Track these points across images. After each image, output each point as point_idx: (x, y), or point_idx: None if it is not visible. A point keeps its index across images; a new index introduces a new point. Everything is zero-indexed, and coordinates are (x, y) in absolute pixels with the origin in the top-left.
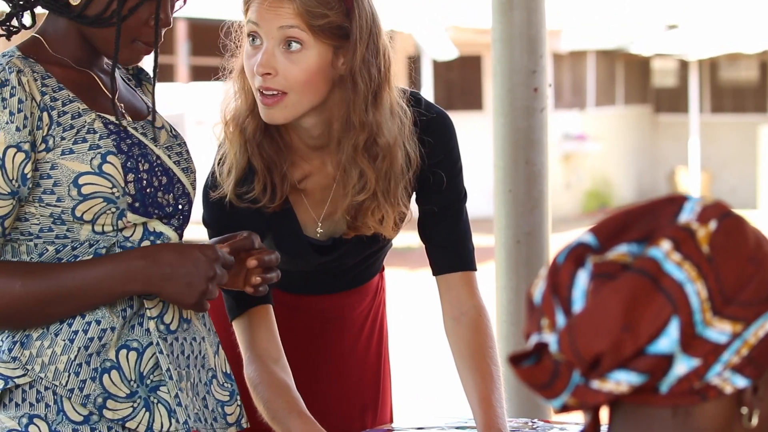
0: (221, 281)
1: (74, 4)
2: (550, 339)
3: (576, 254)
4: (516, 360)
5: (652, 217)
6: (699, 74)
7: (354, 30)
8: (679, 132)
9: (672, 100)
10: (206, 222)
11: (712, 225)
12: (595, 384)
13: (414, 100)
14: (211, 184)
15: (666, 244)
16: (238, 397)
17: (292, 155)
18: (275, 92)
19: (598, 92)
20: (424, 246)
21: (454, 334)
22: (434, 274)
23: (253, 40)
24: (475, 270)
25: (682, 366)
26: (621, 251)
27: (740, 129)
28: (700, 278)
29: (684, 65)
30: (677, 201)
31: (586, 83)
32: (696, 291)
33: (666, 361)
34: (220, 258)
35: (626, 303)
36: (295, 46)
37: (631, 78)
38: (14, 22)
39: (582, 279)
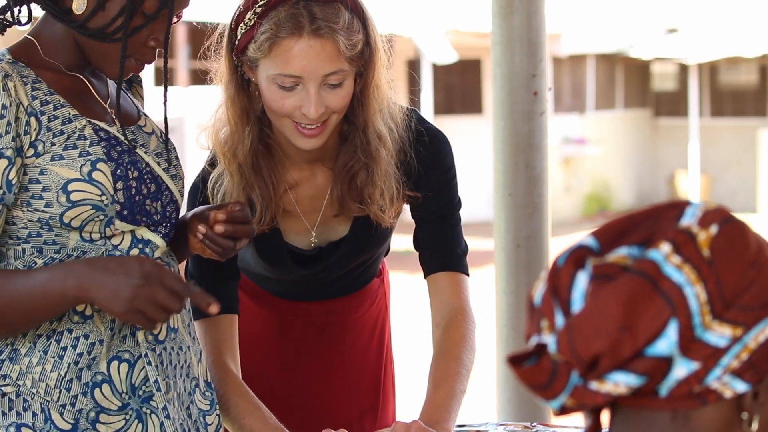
0: (158, 299)
1: (78, 13)
2: (549, 340)
3: (576, 257)
4: (515, 361)
5: (654, 221)
6: (699, 78)
7: (372, 39)
8: (678, 136)
9: (672, 104)
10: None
11: (713, 229)
12: (594, 385)
13: (411, 116)
14: (202, 203)
15: (666, 247)
16: (218, 407)
17: (284, 164)
18: (320, 123)
19: (597, 96)
20: (412, 255)
21: (433, 340)
22: (425, 276)
23: (290, 87)
24: (465, 273)
25: (682, 369)
26: (621, 254)
27: (740, 133)
28: (700, 281)
29: (684, 69)
30: (679, 206)
31: (586, 87)
32: (695, 294)
33: (665, 363)
34: (162, 274)
35: (625, 304)
36: (339, 82)
37: (631, 82)
38: (8, 16)
39: (581, 280)
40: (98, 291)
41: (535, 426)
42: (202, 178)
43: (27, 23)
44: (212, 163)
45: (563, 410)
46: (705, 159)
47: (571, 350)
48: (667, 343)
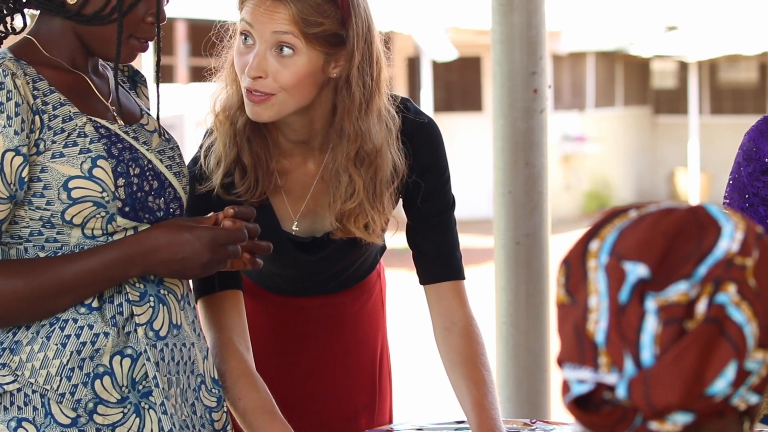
0: (221, 261)
1: (71, 2)
2: (614, 381)
3: (638, 292)
4: (565, 392)
5: (696, 243)
6: (698, 76)
7: (351, 38)
8: (678, 133)
9: (671, 102)
10: (186, 208)
11: (755, 255)
12: (654, 425)
13: (404, 106)
14: (198, 176)
15: (732, 288)
16: (225, 403)
17: (277, 145)
18: (263, 93)
19: (597, 93)
20: (411, 252)
21: (446, 343)
22: (422, 283)
23: (245, 39)
24: (464, 279)
25: (718, 396)
26: (681, 290)
27: (740, 130)
28: (755, 318)
29: (683, 67)
30: (705, 220)
31: (586, 84)
32: (752, 332)
33: (714, 397)
34: (217, 238)
35: (699, 355)
36: (287, 51)
37: (631, 79)
38: (2, 27)
39: (650, 324)
40: (164, 270)
41: (535, 422)
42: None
43: (22, 30)
44: (209, 132)
45: None
46: (705, 157)
47: (646, 400)
48: (724, 382)
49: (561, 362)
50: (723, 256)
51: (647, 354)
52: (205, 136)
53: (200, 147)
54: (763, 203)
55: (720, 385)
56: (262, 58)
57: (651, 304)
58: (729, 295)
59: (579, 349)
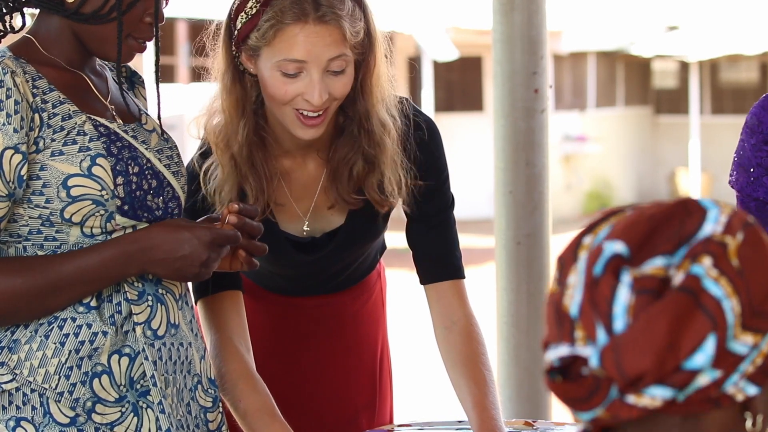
0: (216, 261)
1: (69, 1)
2: (589, 353)
3: (613, 266)
4: (547, 374)
5: (679, 225)
6: (699, 75)
7: (372, 30)
8: (679, 133)
9: (672, 102)
10: (185, 209)
11: (740, 237)
12: (631, 399)
13: (406, 105)
14: (201, 203)
15: (707, 261)
16: (221, 404)
17: (276, 155)
18: (321, 112)
19: (598, 93)
20: (411, 252)
21: (446, 342)
22: (422, 282)
23: (293, 74)
24: (464, 278)
25: (705, 378)
26: (657, 264)
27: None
28: (735, 294)
29: (684, 66)
30: (695, 209)
31: (587, 84)
32: (731, 307)
33: (694, 374)
34: (215, 239)
35: (672, 323)
36: (341, 69)
37: (632, 79)
38: (1, 26)
39: (623, 294)
40: (161, 269)
41: (536, 422)
42: (195, 164)
43: (21, 29)
44: (204, 153)
45: (594, 422)
46: (705, 157)
47: (618, 368)
48: (703, 357)
49: (545, 345)
50: (705, 238)
51: (619, 323)
52: (199, 148)
53: (197, 163)
54: (767, 173)
55: (699, 360)
56: (323, 84)
57: (626, 277)
58: (704, 267)
59: (558, 326)
